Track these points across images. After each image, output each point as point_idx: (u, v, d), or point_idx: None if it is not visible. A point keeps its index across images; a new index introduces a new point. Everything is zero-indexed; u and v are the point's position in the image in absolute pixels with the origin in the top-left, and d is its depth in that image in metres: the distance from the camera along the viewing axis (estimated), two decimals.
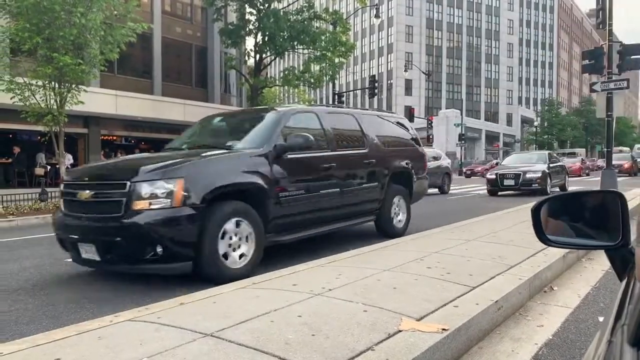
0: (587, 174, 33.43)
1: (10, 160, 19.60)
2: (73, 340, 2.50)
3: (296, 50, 26.74)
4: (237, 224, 4.54)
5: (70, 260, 4.96)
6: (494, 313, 3.13)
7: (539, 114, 69.33)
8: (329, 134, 6.07)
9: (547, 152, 18.60)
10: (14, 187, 17.15)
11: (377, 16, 30.49)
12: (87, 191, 4.49)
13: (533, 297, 3.86)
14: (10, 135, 20.27)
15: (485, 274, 3.88)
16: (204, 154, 4.87)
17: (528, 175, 14.97)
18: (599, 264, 4.97)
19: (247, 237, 4.65)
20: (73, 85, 13.51)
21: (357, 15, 58.03)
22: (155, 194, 4.15)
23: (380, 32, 65.66)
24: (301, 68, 27.03)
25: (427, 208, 11.32)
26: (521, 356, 2.72)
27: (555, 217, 1.39)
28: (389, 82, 64.38)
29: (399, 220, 7.27)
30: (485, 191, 16.42)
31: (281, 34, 24.53)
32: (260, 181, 4.83)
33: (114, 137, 24.26)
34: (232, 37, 25.54)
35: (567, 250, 4.48)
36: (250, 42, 30.21)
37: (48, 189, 13.83)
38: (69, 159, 17.72)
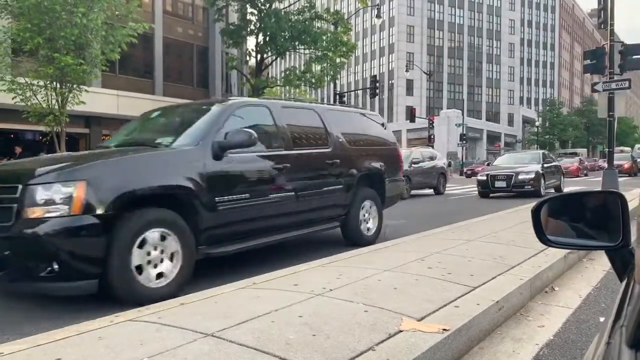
0: (586, 175, 33.00)
1: (12, 160, 19.62)
2: (74, 340, 2.51)
3: (297, 51, 26.78)
4: (161, 236, 3.89)
5: None
6: (494, 313, 3.13)
7: (541, 114, 69.22)
8: (283, 131, 5.43)
9: (541, 151, 17.92)
10: None
11: (378, 16, 30.51)
12: None
13: (534, 297, 3.85)
14: (12, 135, 20.30)
15: (486, 274, 3.88)
16: (116, 153, 4.35)
17: (521, 177, 14.34)
18: (600, 264, 4.97)
19: (172, 251, 3.97)
20: (74, 86, 13.55)
21: (358, 15, 58.01)
22: (52, 200, 3.51)
23: (381, 32, 65.64)
24: (302, 68, 27.06)
25: (425, 209, 11.32)
26: (522, 356, 2.72)
27: (556, 218, 1.39)
28: (390, 82, 64.35)
29: (369, 228, 6.59)
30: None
31: (282, 34, 24.57)
32: (190, 184, 4.15)
33: None
34: (233, 37, 25.58)
35: (567, 250, 4.48)
36: (251, 42, 30.25)
37: None
38: None
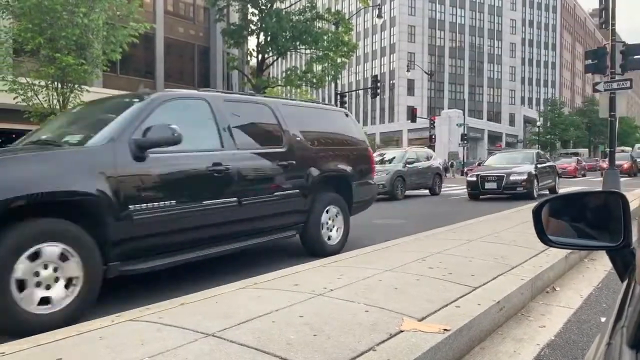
0: (584, 175, 32.46)
1: None
2: (75, 340, 2.51)
3: (298, 51, 26.81)
4: (61, 255, 3.25)
5: None
6: (495, 313, 3.13)
7: (542, 114, 69.18)
8: (224, 128, 4.75)
9: (534, 151, 17.19)
10: None
11: (379, 16, 30.50)
12: None
13: (535, 297, 3.85)
14: (14, 135, 20.17)
15: (487, 275, 3.88)
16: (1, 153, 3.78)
17: (512, 178, 13.54)
18: (601, 265, 4.96)
19: (69, 271, 3.31)
20: (76, 86, 13.57)
21: (359, 15, 58.01)
22: None
23: (382, 32, 65.64)
24: (303, 68, 27.08)
25: (424, 209, 11.32)
26: (523, 357, 2.72)
27: (557, 218, 1.39)
28: (391, 82, 64.36)
29: (331, 236, 5.89)
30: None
31: (283, 34, 24.60)
32: (93, 190, 3.50)
33: None
34: (234, 37, 25.62)
35: (569, 250, 4.48)
36: (252, 42, 30.29)
37: None
38: None
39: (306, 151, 5.64)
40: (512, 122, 70.34)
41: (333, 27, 27.04)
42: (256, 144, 5.14)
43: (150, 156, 3.91)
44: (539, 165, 14.56)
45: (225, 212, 4.52)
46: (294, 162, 5.38)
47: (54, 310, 3.22)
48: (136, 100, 4.42)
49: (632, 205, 8.27)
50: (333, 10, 28.87)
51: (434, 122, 39.62)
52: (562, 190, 15.79)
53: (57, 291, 3.26)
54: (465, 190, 14.92)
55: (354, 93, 64.67)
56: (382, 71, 64.64)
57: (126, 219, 3.66)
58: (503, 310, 3.24)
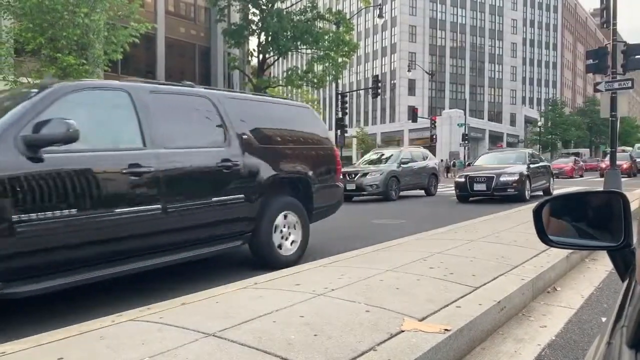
0: (581, 176, 31.71)
1: None
2: (75, 340, 2.51)
3: (299, 50, 26.82)
4: None
5: None
6: (496, 313, 3.12)
7: (543, 113, 69.12)
8: (147, 124, 4.08)
9: (527, 150, 16.26)
10: None
11: (380, 16, 30.52)
12: None
13: (536, 297, 3.85)
14: None
15: (488, 275, 3.88)
16: None
17: (502, 179, 12.71)
18: (602, 265, 4.96)
19: None
20: None
21: (360, 15, 58.01)
22: None
23: (383, 32, 65.63)
24: (304, 68, 27.09)
25: (423, 210, 11.32)
26: (524, 357, 2.72)
27: (558, 218, 1.39)
28: (392, 82, 64.33)
29: (285, 246, 5.22)
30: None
31: (284, 34, 24.62)
32: None
33: None
34: (235, 37, 25.64)
35: (570, 250, 4.47)
36: (253, 42, 30.26)
37: None
38: None
39: (255, 151, 4.99)
40: (513, 122, 70.27)
41: (334, 27, 27.05)
42: (191, 143, 4.47)
43: (47, 156, 3.33)
44: (531, 166, 13.86)
45: (146, 222, 3.91)
46: (238, 162, 4.75)
47: None
48: (35, 91, 3.72)
49: (633, 205, 8.25)
50: (334, 10, 28.91)
51: (435, 122, 39.60)
52: (556, 192, 15.14)
53: None
54: None
55: (355, 93, 64.62)
56: (383, 71, 64.63)
57: (6, 231, 3.10)
58: (504, 311, 3.23)
